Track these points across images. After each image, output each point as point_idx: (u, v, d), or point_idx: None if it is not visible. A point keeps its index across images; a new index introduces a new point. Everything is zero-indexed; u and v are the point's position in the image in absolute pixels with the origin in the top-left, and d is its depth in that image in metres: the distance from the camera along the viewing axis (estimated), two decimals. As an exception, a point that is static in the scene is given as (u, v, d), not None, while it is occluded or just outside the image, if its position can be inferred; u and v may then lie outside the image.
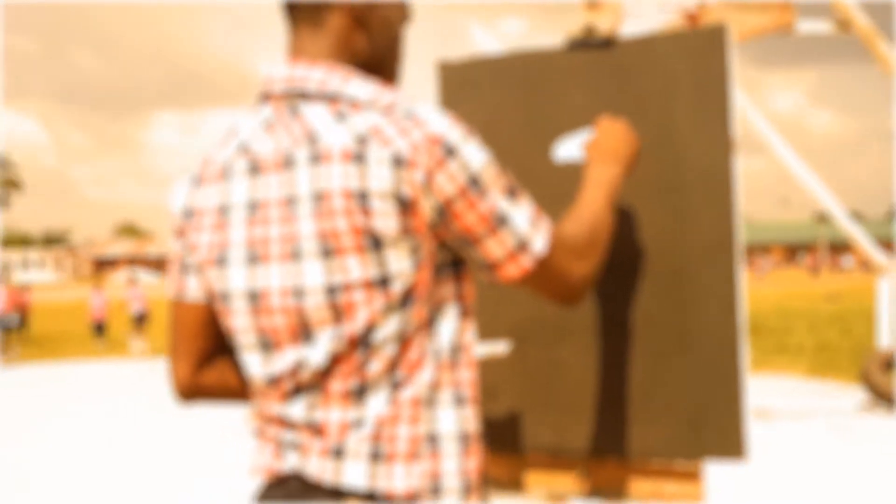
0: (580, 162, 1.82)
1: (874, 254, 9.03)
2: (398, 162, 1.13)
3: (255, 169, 1.22)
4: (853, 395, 9.11)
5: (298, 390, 1.22)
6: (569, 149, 1.84)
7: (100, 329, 17.30)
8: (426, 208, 1.15)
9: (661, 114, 1.80)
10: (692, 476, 1.75)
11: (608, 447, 1.79)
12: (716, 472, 5.82)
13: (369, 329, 1.16)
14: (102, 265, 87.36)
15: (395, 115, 1.16)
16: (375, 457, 1.18)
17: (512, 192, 1.22)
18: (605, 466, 1.82)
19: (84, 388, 11.49)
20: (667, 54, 1.80)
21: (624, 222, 1.81)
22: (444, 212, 1.16)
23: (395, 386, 1.19)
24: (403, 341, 1.18)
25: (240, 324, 1.25)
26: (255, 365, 1.25)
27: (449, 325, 1.23)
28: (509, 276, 1.24)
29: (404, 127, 1.15)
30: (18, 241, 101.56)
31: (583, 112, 1.85)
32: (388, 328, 1.17)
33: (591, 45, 1.87)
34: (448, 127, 1.16)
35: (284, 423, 1.23)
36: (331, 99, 1.19)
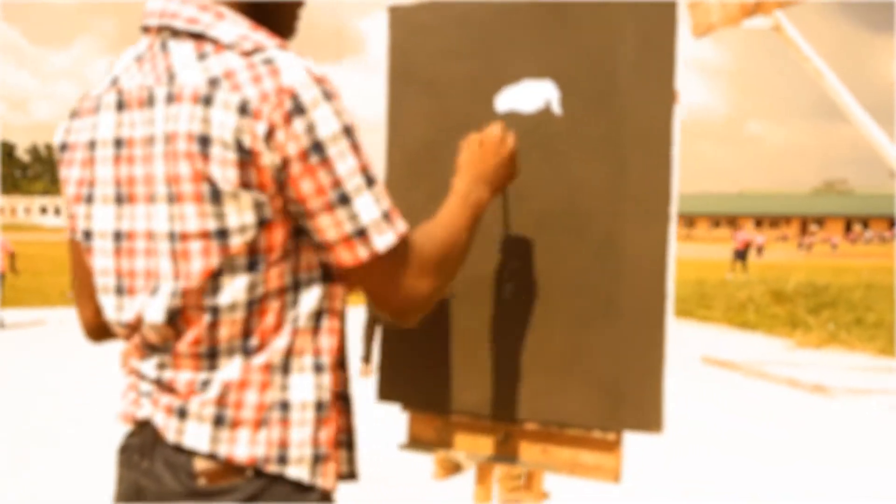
0: (523, 112, 1.76)
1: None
2: (243, 110, 1.06)
3: (121, 104, 1.18)
4: (925, 375, 8.72)
5: (151, 349, 1.19)
6: (511, 99, 1.77)
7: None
8: (268, 164, 1.07)
9: (605, 66, 1.70)
10: (611, 447, 1.68)
11: (529, 413, 1.73)
12: (756, 446, 5.66)
13: (213, 290, 1.12)
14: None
15: (254, 59, 1.09)
16: (219, 421, 1.14)
17: (367, 177, 1.12)
18: (525, 433, 1.76)
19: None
20: (616, 7, 1.70)
21: (561, 180, 1.73)
22: (282, 172, 1.08)
23: (248, 352, 1.15)
24: (256, 307, 1.13)
25: (102, 264, 1.23)
26: (110, 309, 1.23)
27: (312, 291, 1.17)
28: (342, 262, 1.15)
29: (259, 74, 1.08)
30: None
31: (530, 61, 1.77)
32: (235, 292, 1.12)
33: (539, -8, 1.78)
34: (305, 81, 1.07)
35: (141, 375, 1.22)
36: (197, 37, 1.14)
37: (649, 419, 1.63)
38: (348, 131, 1.10)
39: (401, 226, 1.16)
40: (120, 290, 1.21)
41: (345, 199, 1.10)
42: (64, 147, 1.27)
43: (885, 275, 22.84)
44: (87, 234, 1.24)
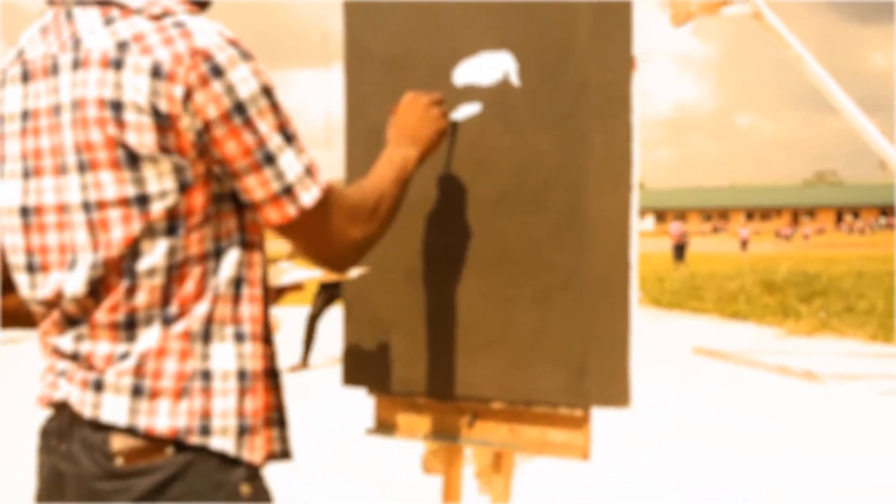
0: (481, 84, 1.72)
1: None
2: (156, 73, 1.04)
3: (26, 76, 1.15)
4: (915, 360, 8.70)
5: (69, 321, 1.15)
6: (469, 72, 1.74)
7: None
8: (187, 127, 1.06)
9: (563, 36, 1.67)
10: (579, 424, 1.64)
11: (495, 392, 1.70)
12: (746, 436, 5.63)
13: (132, 255, 1.09)
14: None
15: (164, 23, 1.07)
16: (137, 391, 1.10)
17: (287, 134, 1.13)
18: (492, 412, 1.72)
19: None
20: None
21: (521, 152, 1.69)
22: (204, 135, 1.07)
23: (167, 321, 1.11)
24: (176, 273, 1.11)
25: (11, 242, 1.18)
26: (24, 287, 1.18)
27: (231, 258, 1.15)
28: (271, 221, 1.16)
29: (170, 36, 1.06)
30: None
31: (487, 34, 1.74)
32: (154, 257, 1.09)
33: (493, -36, 1.74)
34: (219, 43, 1.07)
35: (58, 352, 1.18)
36: (103, 4, 1.11)
37: (616, 394, 1.59)
38: (267, 90, 1.10)
39: (322, 178, 1.17)
40: (31, 267, 1.17)
41: (270, 158, 1.11)
42: None
43: (876, 263, 22.89)
44: None
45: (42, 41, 1.14)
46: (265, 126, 1.10)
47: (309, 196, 1.15)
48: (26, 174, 1.15)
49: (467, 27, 1.75)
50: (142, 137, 1.05)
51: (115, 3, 1.10)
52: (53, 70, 1.11)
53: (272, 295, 1.57)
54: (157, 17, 1.08)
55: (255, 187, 1.12)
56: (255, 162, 1.10)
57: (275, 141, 1.11)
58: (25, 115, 1.14)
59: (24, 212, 1.15)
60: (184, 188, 1.08)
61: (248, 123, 1.08)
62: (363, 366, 1.83)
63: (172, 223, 1.09)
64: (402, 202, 1.36)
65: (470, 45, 1.74)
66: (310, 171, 1.15)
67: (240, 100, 1.07)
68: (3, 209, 1.18)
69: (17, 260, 1.18)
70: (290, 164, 1.13)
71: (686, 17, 6.82)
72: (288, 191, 1.13)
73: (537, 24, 1.68)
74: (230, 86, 1.07)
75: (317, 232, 1.18)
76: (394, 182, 1.34)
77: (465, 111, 1.73)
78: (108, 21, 1.09)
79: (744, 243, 36.33)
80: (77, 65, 1.08)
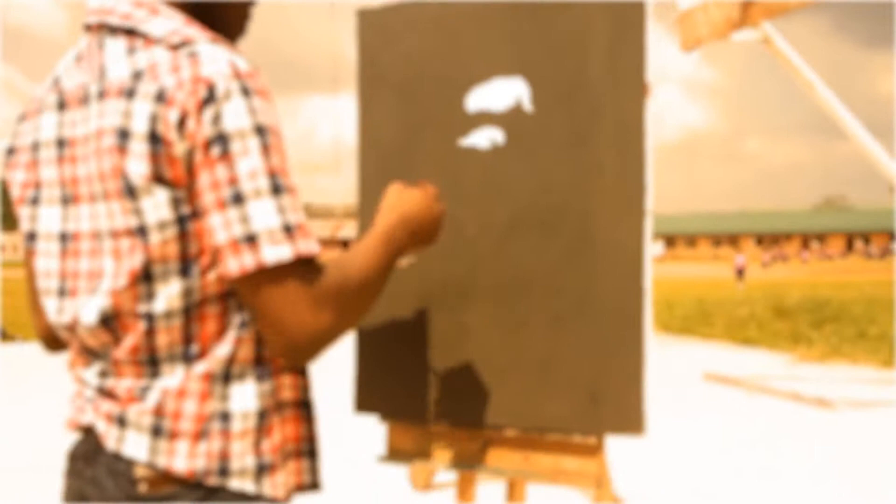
0: (494, 111, 1.73)
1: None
2: (159, 98, 1.03)
3: (61, 104, 1.16)
4: (929, 386, 8.62)
5: (93, 355, 1.16)
6: (482, 97, 1.75)
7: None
8: (180, 155, 1.02)
9: (576, 62, 1.67)
10: (592, 452, 1.63)
11: (508, 419, 1.69)
12: (757, 462, 5.57)
13: (147, 295, 1.08)
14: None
15: (179, 52, 1.07)
16: (157, 432, 1.10)
17: (273, 183, 1.02)
18: (505, 440, 1.71)
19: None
20: (586, 3, 1.67)
21: (533, 178, 1.69)
22: (188, 162, 1.03)
23: (189, 361, 1.10)
24: (195, 313, 1.09)
25: (45, 266, 1.19)
26: (52, 312, 1.19)
27: None
28: (228, 271, 1.03)
29: (179, 64, 1.05)
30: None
31: (500, 59, 1.74)
32: (170, 298, 1.08)
33: (507, -11, 1.75)
34: (224, 73, 1.03)
35: (85, 382, 1.19)
36: (130, 33, 1.12)
37: (630, 421, 1.58)
38: (260, 130, 1.03)
39: (304, 245, 1.04)
40: (62, 292, 1.17)
41: (239, 199, 1.02)
42: (11, 151, 1.24)
43: (888, 288, 22.74)
44: (31, 236, 1.21)
45: (77, 70, 1.16)
46: (245, 165, 1.02)
47: (274, 252, 1.02)
48: (65, 201, 1.15)
49: (481, 52, 1.76)
50: (139, 166, 1.04)
51: (140, 33, 1.11)
52: (85, 99, 1.12)
53: None
54: (175, 47, 1.07)
55: (216, 228, 1.03)
56: (221, 199, 1.02)
57: (252, 184, 1.02)
58: (61, 143, 1.15)
59: (63, 237, 1.16)
60: (185, 221, 1.06)
61: (226, 157, 1.02)
62: (376, 392, 1.82)
63: (185, 264, 1.07)
64: (381, 285, 1.19)
65: (484, 70, 1.75)
66: (289, 231, 1.03)
67: (224, 131, 1.02)
68: (42, 234, 1.19)
69: (49, 284, 1.19)
70: (263, 212, 1.02)
71: (695, 42, 6.84)
72: (251, 239, 1.02)
73: (551, 49, 1.69)
74: (218, 115, 1.02)
75: (277, 304, 1.04)
76: (383, 268, 1.20)
77: (480, 138, 1.73)
78: (132, 51, 1.10)
79: (740, 271, 33.44)
80: (101, 95, 1.09)
